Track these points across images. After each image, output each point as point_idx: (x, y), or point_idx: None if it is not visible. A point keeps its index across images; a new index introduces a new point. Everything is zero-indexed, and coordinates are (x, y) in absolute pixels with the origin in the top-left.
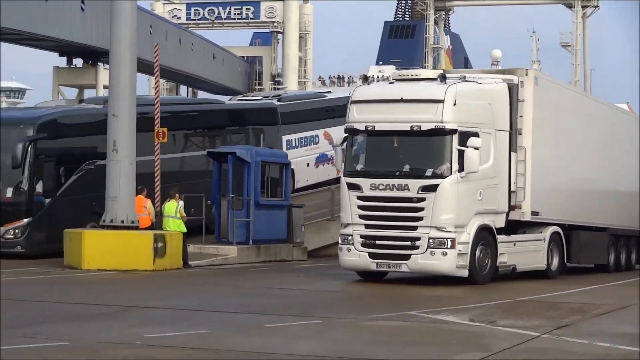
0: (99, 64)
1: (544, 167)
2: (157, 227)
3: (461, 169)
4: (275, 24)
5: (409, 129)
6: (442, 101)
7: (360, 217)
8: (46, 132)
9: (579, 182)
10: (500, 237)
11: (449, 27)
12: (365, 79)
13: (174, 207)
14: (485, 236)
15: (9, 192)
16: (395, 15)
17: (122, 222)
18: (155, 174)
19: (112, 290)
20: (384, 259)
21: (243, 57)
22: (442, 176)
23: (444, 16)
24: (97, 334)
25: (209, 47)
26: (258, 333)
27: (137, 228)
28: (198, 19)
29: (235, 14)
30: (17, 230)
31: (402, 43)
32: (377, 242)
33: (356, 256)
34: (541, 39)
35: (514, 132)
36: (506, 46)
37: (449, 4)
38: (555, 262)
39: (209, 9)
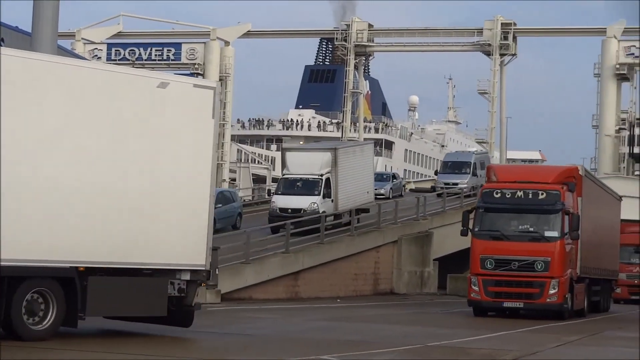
0: None
1: None
2: None
3: None
4: (196, 66)
5: None
6: None
7: None
8: None
9: None
10: None
11: (369, 72)
12: None
13: None
14: None
15: None
16: (316, 59)
17: None
18: None
19: None
20: None
21: None
22: None
23: (363, 61)
24: None
25: None
26: None
27: None
28: (119, 60)
29: (156, 55)
30: None
31: (322, 87)
32: None
33: None
34: (459, 85)
35: None
36: (425, 92)
37: (369, 49)
38: None
39: (130, 50)
